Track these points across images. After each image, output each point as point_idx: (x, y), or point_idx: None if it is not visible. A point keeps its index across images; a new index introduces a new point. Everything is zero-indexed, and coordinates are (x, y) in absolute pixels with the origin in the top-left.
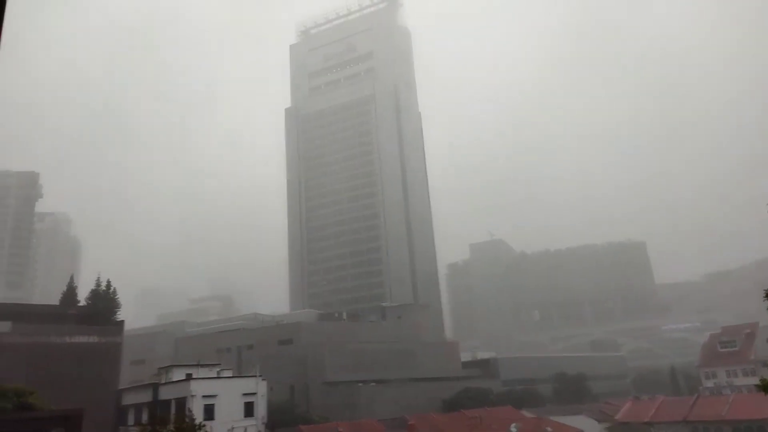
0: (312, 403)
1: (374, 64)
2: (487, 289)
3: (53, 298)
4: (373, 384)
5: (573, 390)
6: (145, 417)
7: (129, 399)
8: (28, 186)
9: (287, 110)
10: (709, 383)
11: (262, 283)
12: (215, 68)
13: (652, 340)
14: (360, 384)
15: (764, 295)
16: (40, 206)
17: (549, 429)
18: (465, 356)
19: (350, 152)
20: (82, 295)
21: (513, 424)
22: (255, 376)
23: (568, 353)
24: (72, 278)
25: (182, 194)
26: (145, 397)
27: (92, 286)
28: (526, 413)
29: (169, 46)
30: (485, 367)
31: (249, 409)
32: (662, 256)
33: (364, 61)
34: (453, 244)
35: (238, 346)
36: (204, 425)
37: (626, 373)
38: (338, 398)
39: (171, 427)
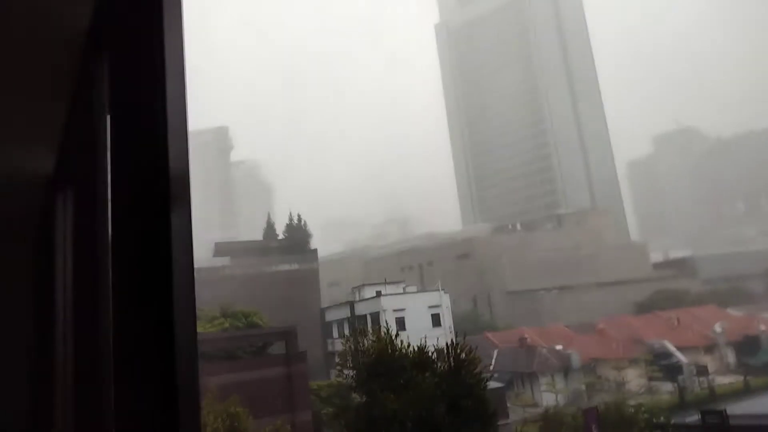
0: (495, 312)
1: None
2: (678, 183)
3: (256, 234)
4: (556, 291)
5: None
6: (346, 330)
7: (331, 316)
8: (222, 140)
9: (436, 26)
10: None
11: (433, 203)
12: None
13: None
14: (542, 292)
15: None
16: (234, 156)
17: (763, 327)
18: (656, 257)
19: (507, 58)
20: (279, 230)
21: (717, 323)
22: (438, 290)
23: None
24: (269, 216)
25: (354, 129)
26: (344, 313)
27: (286, 221)
28: (733, 312)
29: None
30: (680, 266)
31: (436, 320)
32: None
33: None
34: (633, 139)
35: (419, 263)
36: (398, 335)
37: None
38: (521, 307)
39: (371, 336)
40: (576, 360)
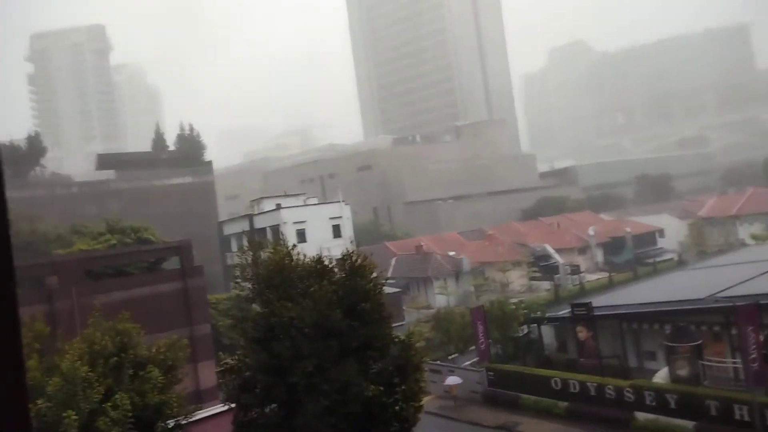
0: (395, 222)
1: None
2: (566, 96)
3: (144, 145)
4: (452, 201)
5: (656, 190)
6: (246, 244)
7: (229, 229)
8: (98, 40)
9: None
10: None
11: (336, 114)
12: None
13: (750, 133)
14: (439, 201)
15: None
16: (114, 59)
17: (628, 229)
18: (543, 167)
19: None
20: (169, 141)
21: (591, 227)
22: (338, 201)
23: (654, 154)
24: (157, 125)
25: (253, 37)
26: (243, 226)
27: (177, 131)
28: (605, 216)
29: None
30: (563, 175)
31: (337, 232)
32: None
33: None
34: (529, 52)
35: (320, 176)
36: (296, 246)
37: (714, 170)
38: (419, 216)
39: (269, 249)
40: (467, 264)
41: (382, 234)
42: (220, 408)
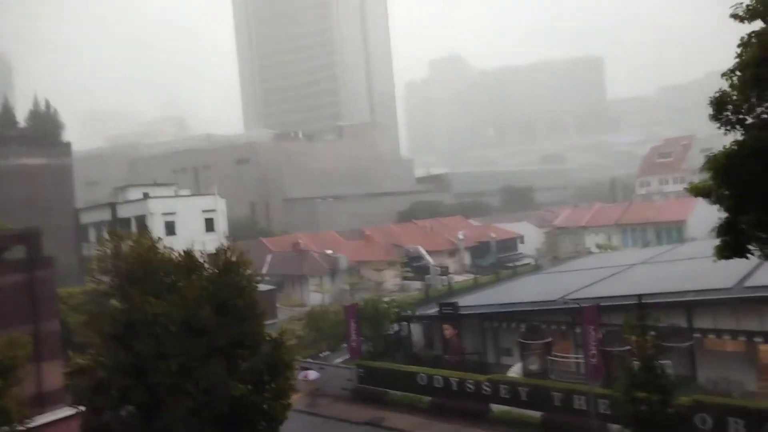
0: (272, 218)
1: None
2: (445, 106)
3: None
4: (331, 200)
5: (519, 200)
6: (106, 234)
7: (87, 218)
8: None
9: None
10: (642, 191)
11: (214, 104)
12: None
13: (600, 154)
14: (318, 200)
15: (708, 103)
16: None
17: (493, 234)
18: (420, 172)
19: None
20: (20, 117)
21: (460, 231)
22: (213, 194)
23: (519, 168)
24: (5, 98)
25: (127, 15)
26: (104, 215)
27: (30, 107)
28: (474, 222)
29: None
30: (438, 181)
31: (210, 225)
32: (619, 71)
33: None
34: (412, 61)
35: (194, 166)
36: (161, 239)
37: (570, 185)
38: (298, 214)
39: (130, 241)
40: (343, 263)
41: (259, 230)
42: (67, 412)
